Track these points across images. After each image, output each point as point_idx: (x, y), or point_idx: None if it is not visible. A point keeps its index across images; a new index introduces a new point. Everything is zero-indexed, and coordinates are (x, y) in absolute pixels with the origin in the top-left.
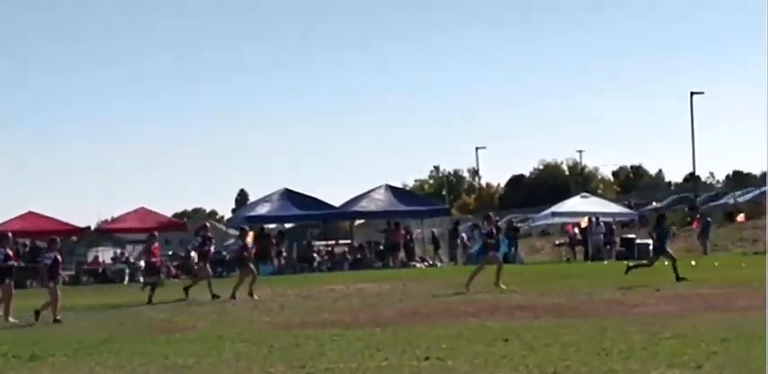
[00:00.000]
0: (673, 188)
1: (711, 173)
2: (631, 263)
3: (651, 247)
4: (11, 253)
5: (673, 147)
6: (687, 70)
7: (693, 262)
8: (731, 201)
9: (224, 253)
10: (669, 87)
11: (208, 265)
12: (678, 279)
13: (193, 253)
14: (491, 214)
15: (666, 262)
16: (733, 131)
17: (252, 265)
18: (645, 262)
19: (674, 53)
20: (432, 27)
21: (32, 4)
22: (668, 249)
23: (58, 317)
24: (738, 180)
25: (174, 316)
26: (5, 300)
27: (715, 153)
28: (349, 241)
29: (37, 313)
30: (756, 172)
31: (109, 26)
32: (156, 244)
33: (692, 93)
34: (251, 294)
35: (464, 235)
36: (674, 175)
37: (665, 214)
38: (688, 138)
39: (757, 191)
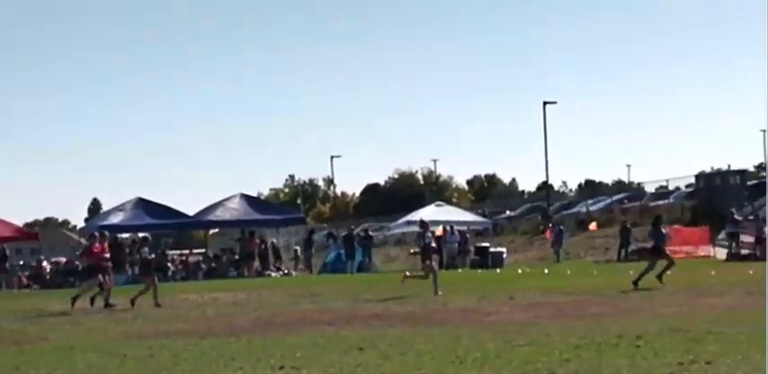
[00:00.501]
0: (526, 197)
1: (564, 182)
2: (634, 277)
3: (649, 249)
4: None
5: (526, 157)
6: (540, 80)
7: (546, 270)
8: (583, 210)
9: (77, 262)
10: (522, 97)
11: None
12: (635, 283)
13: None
14: (426, 221)
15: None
16: (585, 141)
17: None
18: (647, 268)
19: (528, 62)
20: (281, 36)
21: None
22: (667, 251)
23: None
24: (590, 189)
25: (27, 327)
26: None
27: (567, 162)
28: (203, 250)
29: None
30: (608, 180)
31: None
32: None
33: (544, 103)
34: (157, 304)
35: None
36: (528, 184)
37: (661, 215)
38: (541, 147)
39: (609, 200)
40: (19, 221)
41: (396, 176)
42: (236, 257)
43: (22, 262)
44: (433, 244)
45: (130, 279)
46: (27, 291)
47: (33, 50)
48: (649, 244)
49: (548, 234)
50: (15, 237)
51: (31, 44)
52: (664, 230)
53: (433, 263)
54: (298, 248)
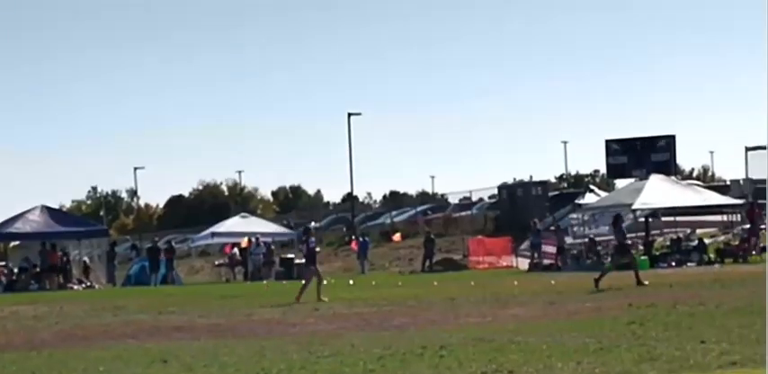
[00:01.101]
0: (331, 208)
1: (369, 194)
2: (596, 277)
3: (614, 247)
4: None
5: (331, 167)
6: (344, 90)
7: (351, 281)
8: (388, 221)
9: None
10: (327, 108)
11: None
12: (638, 283)
13: None
14: (310, 227)
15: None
16: (390, 152)
17: None
18: (607, 268)
19: (332, 72)
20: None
21: None
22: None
23: None
24: (395, 200)
25: None
26: None
27: (372, 173)
28: (3, 263)
29: None
30: (412, 192)
31: None
32: None
33: (349, 114)
34: None
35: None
36: (333, 195)
37: (620, 214)
38: (346, 158)
39: (413, 211)
40: None
41: (200, 188)
42: (38, 270)
43: None
44: (318, 249)
45: None
46: None
47: None
48: (457, 256)
49: (353, 245)
50: None
51: None
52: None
53: (319, 268)
54: (86, 259)
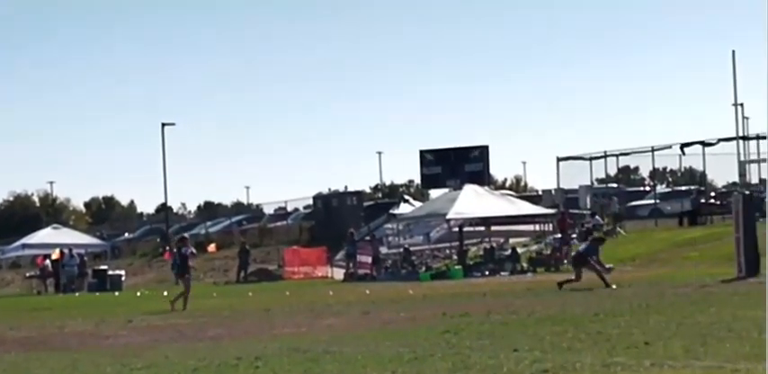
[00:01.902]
0: (145, 219)
1: (183, 204)
2: (560, 280)
3: (574, 256)
4: None
5: (145, 178)
6: (158, 100)
7: (166, 293)
8: (203, 232)
9: None
10: (141, 117)
11: None
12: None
13: None
14: (186, 236)
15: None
16: (204, 162)
17: None
18: (573, 278)
19: (147, 81)
20: None
21: None
22: (592, 261)
23: None
24: (209, 210)
25: None
26: None
27: (187, 184)
28: None
29: None
30: (227, 202)
31: None
32: None
33: (163, 124)
34: None
35: None
36: (147, 206)
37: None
38: (160, 168)
39: (227, 221)
40: None
41: (11, 199)
42: None
43: None
44: (190, 263)
45: None
46: None
47: None
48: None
49: (167, 256)
50: None
51: None
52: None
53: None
54: None
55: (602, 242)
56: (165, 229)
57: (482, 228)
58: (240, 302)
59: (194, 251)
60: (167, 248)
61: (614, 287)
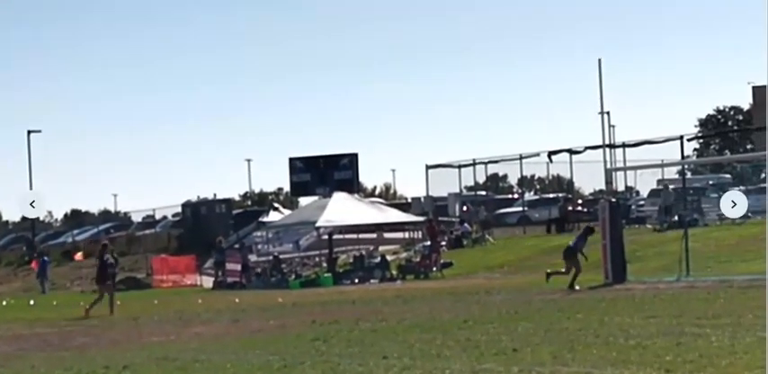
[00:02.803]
0: (11, 227)
1: (50, 212)
2: (549, 270)
3: (564, 249)
4: None
5: (10, 185)
6: (25, 108)
7: (32, 302)
8: (70, 240)
9: None
10: (5, 124)
11: None
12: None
13: None
14: (107, 243)
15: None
16: (71, 170)
17: None
18: (576, 270)
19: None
20: None
21: None
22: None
23: None
24: (76, 218)
25: None
26: None
27: (54, 192)
28: None
29: None
30: (94, 210)
31: None
32: None
33: (29, 132)
34: None
35: None
36: (12, 214)
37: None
38: (26, 176)
39: (95, 230)
40: None
41: None
42: None
43: None
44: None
45: None
46: None
47: None
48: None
49: (34, 264)
50: None
51: None
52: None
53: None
54: None
55: (592, 232)
56: (32, 237)
57: (352, 236)
58: (107, 311)
59: (115, 257)
60: (34, 256)
61: (578, 288)
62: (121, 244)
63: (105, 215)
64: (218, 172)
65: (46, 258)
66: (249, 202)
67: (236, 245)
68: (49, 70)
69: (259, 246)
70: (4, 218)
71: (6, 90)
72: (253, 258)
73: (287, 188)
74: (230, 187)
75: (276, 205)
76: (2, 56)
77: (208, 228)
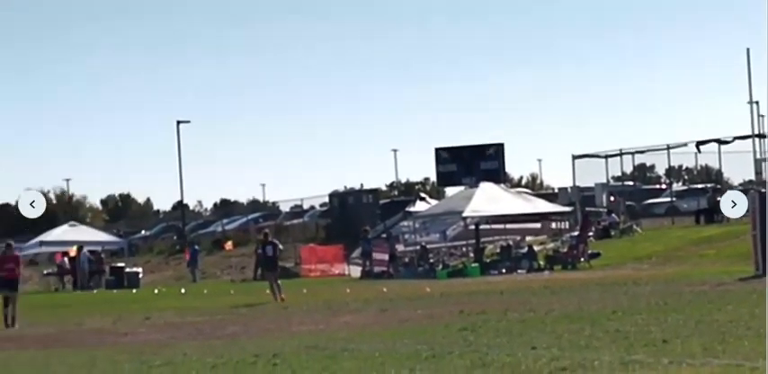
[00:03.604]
0: (162, 216)
1: (199, 202)
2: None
3: None
4: None
5: (161, 176)
6: (173, 98)
7: (183, 290)
8: (219, 229)
9: None
10: (155, 115)
11: None
12: None
13: None
14: (268, 231)
15: None
16: (220, 160)
17: None
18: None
19: (160, 80)
20: None
21: None
22: None
23: None
24: (225, 208)
25: None
26: None
27: (202, 181)
28: None
29: None
30: (243, 200)
31: None
32: None
33: (178, 122)
34: None
35: None
36: (163, 204)
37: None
38: (176, 166)
39: (244, 219)
40: None
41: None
42: None
43: None
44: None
45: None
46: None
47: None
48: None
49: (185, 253)
50: None
51: None
52: None
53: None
54: None
55: None
56: (182, 227)
57: (498, 226)
58: (257, 300)
59: (276, 244)
60: (185, 245)
61: None
62: (270, 233)
63: (254, 204)
64: (365, 162)
65: (197, 247)
66: (396, 192)
67: (383, 235)
68: (199, 60)
69: (406, 236)
70: (156, 208)
71: (156, 81)
72: (400, 248)
73: (433, 178)
74: (377, 177)
75: (423, 195)
76: (155, 47)
77: (355, 218)
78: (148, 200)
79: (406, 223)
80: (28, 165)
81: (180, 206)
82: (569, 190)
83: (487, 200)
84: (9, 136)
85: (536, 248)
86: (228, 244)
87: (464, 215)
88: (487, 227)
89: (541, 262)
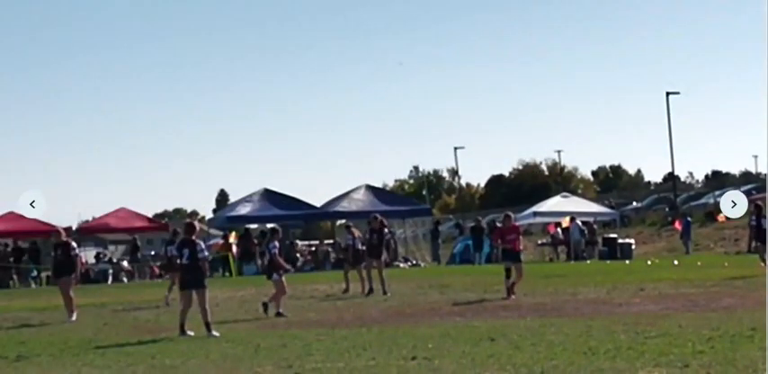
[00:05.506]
0: (652, 188)
1: (690, 173)
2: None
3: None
4: None
5: (651, 147)
6: (663, 70)
7: (676, 262)
8: (711, 201)
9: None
10: (646, 87)
11: None
12: None
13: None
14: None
15: None
16: (710, 131)
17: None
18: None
19: (651, 53)
20: (407, 24)
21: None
22: None
23: (280, 311)
24: (717, 180)
25: (160, 317)
26: None
27: (693, 153)
28: (331, 241)
29: (265, 305)
30: (735, 171)
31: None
32: None
33: (667, 93)
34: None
35: None
36: (654, 175)
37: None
38: (666, 137)
39: (735, 191)
40: (149, 212)
41: (520, 167)
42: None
43: (153, 253)
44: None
45: (259, 270)
46: (159, 281)
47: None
48: None
49: (676, 225)
50: (145, 228)
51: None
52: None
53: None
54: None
55: None
56: (674, 198)
57: None
58: (753, 272)
59: None
60: (677, 217)
61: None
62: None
63: (746, 176)
64: None
65: (689, 218)
66: None
67: None
68: (690, 34)
69: None
70: (646, 179)
71: (646, 53)
72: None
73: None
74: None
75: None
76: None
77: None
78: (639, 171)
79: None
80: (522, 138)
81: (671, 177)
82: None
83: None
84: (502, 109)
85: None
86: (721, 216)
87: None
88: None
89: None
